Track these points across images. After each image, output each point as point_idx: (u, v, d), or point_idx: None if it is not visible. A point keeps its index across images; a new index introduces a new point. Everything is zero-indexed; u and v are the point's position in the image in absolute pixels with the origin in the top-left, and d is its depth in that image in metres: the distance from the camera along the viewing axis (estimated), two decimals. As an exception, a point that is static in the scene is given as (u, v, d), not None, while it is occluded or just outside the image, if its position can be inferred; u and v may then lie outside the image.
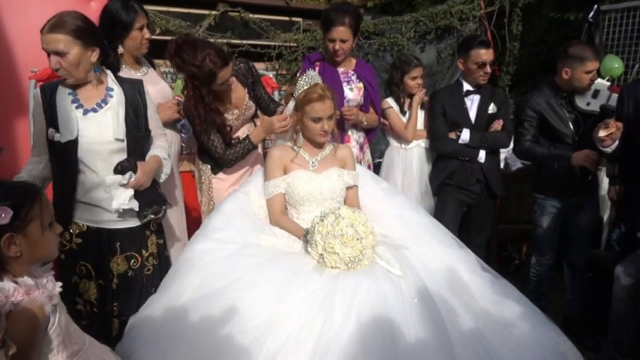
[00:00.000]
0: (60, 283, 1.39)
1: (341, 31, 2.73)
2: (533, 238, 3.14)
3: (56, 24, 1.93)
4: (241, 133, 2.65)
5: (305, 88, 2.13)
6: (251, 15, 5.08)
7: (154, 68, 2.73)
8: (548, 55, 5.79)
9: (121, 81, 2.15)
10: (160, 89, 2.62)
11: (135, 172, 2.03)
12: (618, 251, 2.56)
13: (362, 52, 5.16)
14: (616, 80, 4.14)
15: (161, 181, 2.24)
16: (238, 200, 2.19)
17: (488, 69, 2.97)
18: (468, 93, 3.04)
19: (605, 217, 3.75)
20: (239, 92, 2.63)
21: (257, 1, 5.25)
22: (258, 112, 2.79)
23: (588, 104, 2.89)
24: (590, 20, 4.45)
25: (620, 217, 2.92)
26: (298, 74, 2.73)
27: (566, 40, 4.23)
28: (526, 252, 4.09)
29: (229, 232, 2.01)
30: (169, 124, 2.59)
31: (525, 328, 1.91)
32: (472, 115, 3.04)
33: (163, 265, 2.23)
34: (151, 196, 2.14)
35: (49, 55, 1.95)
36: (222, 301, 1.73)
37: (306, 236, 2.02)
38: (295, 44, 5.18)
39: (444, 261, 2.06)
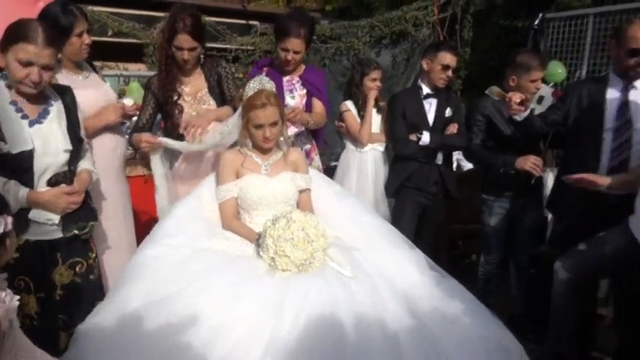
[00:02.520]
0: (17, 297, 1.33)
1: (295, 43, 2.75)
2: (481, 237, 3.26)
3: (49, 38, 1.90)
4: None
5: (249, 94, 2.15)
6: (207, 18, 5.04)
7: (96, 72, 2.69)
8: (498, 61, 6.02)
9: (55, 88, 2.11)
10: (104, 93, 2.59)
11: (68, 184, 2.01)
12: (558, 247, 2.68)
13: (319, 55, 5.23)
14: (559, 85, 4.35)
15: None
16: (190, 205, 2.18)
17: (450, 73, 3.07)
18: (427, 96, 3.12)
19: (550, 215, 3.92)
20: (199, 84, 2.66)
21: (213, 4, 5.23)
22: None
23: (533, 110, 3.03)
24: (536, 28, 4.66)
25: (551, 209, 3.06)
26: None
27: (515, 47, 4.42)
28: (476, 251, 4.23)
29: (180, 237, 2.00)
30: (115, 127, 2.56)
31: (470, 324, 1.99)
32: (430, 118, 3.11)
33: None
34: (80, 211, 2.09)
35: (25, 65, 1.89)
36: (173, 306, 1.72)
37: (258, 240, 2.03)
38: (252, 48, 5.19)
39: (395, 262, 2.12)
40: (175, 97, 2.60)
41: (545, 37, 4.80)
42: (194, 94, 2.65)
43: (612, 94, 2.52)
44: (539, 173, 2.88)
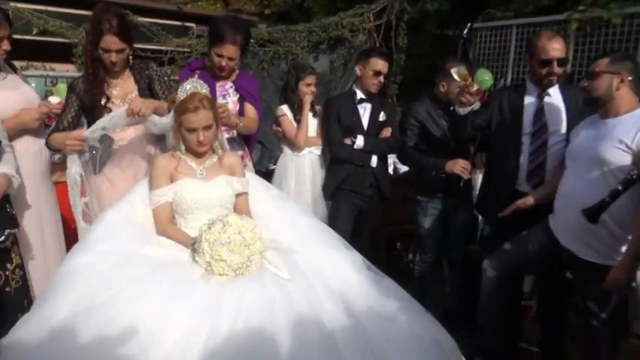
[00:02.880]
0: None
1: (231, 50, 2.71)
2: (416, 237, 3.37)
3: None
4: (128, 134, 2.53)
5: (182, 97, 2.11)
6: (140, 18, 4.90)
7: (15, 72, 2.56)
8: (432, 67, 6.25)
9: None
10: (22, 94, 2.47)
11: None
12: (488, 246, 2.82)
13: (257, 59, 5.21)
14: (487, 91, 4.58)
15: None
16: (122, 211, 2.11)
17: (382, 79, 3.14)
18: (361, 101, 3.19)
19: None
20: (128, 86, 2.56)
21: (147, 4, 5.10)
22: None
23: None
24: (465, 36, 4.88)
25: (479, 211, 3.22)
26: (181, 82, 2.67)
27: (446, 54, 4.61)
28: (413, 251, 4.36)
29: (112, 244, 1.93)
30: (39, 131, 2.44)
31: (406, 322, 2.05)
32: (365, 122, 3.18)
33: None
34: None
35: None
36: (102, 315, 1.66)
37: (194, 245, 2.00)
38: (189, 50, 5.09)
39: (332, 263, 2.14)
40: (104, 101, 2.48)
41: (474, 46, 5.04)
42: (123, 96, 2.54)
43: (529, 100, 2.68)
44: (468, 176, 3.02)
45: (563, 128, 2.61)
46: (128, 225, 2.06)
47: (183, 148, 2.22)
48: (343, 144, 3.13)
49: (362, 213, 3.25)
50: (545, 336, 2.84)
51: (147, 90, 2.60)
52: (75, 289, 1.77)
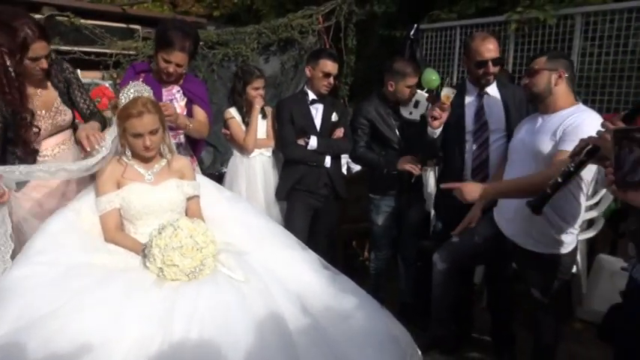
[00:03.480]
0: None
1: (179, 56, 2.61)
2: (370, 235, 3.42)
3: None
4: (54, 143, 2.37)
5: (125, 102, 2.04)
6: (83, 20, 4.73)
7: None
8: (381, 68, 6.36)
9: None
10: None
11: None
12: (440, 241, 2.90)
13: (206, 61, 5.14)
14: (434, 91, 4.71)
15: None
16: (67, 219, 2.02)
17: (332, 80, 3.16)
18: (313, 102, 3.20)
19: (433, 211, 4.22)
20: (50, 94, 2.37)
21: (89, 7, 4.93)
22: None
23: (411, 113, 3.24)
24: (412, 37, 5.00)
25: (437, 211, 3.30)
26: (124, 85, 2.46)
27: (395, 55, 4.70)
28: (368, 249, 4.42)
29: (55, 254, 1.85)
30: None
31: (362, 318, 2.08)
32: (317, 122, 3.19)
33: None
34: None
35: None
36: (46, 330, 1.59)
37: (144, 251, 1.95)
38: (135, 52, 4.96)
39: (287, 263, 2.15)
40: (29, 118, 2.21)
41: (420, 47, 5.17)
42: (48, 106, 2.33)
43: (469, 100, 2.78)
44: (418, 172, 3.09)
45: (503, 125, 2.72)
46: (74, 233, 1.98)
47: (129, 153, 2.16)
48: (297, 145, 3.13)
49: (318, 213, 3.26)
50: (496, 324, 2.94)
51: (66, 95, 2.43)
52: (14, 305, 1.67)
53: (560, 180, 1.77)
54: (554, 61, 2.30)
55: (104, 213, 2.08)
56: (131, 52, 4.95)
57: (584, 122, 2.14)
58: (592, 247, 3.64)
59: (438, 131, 2.70)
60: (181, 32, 2.61)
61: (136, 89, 2.08)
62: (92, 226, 2.08)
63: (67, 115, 2.41)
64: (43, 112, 2.32)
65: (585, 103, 2.43)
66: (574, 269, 3.07)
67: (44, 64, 2.21)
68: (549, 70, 2.28)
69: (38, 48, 2.15)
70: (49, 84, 2.36)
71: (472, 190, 2.31)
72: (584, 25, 4.29)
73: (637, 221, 1.60)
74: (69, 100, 2.44)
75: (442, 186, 2.64)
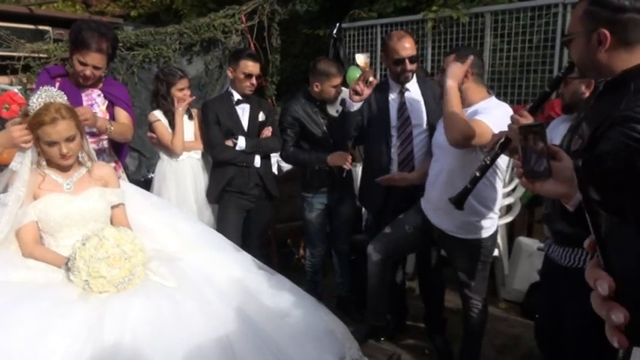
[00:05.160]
0: None
1: (96, 58, 2.49)
2: (304, 233, 3.45)
3: None
4: None
5: (36, 108, 1.92)
6: (-16, 22, 4.39)
7: None
8: (307, 67, 6.41)
9: None
10: None
11: None
12: (372, 234, 2.98)
13: (126, 63, 4.94)
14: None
15: None
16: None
17: (254, 80, 3.13)
18: (239, 102, 3.16)
19: (363, 205, 4.32)
20: None
21: (-9, 7, 4.57)
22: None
23: (337, 111, 3.30)
24: (335, 36, 5.09)
25: (362, 202, 3.39)
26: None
27: (320, 53, 4.76)
28: (304, 247, 4.45)
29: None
30: None
31: (299, 315, 2.10)
32: (244, 123, 3.15)
33: None
34: None
35: None
36: None
37: (67, 264, 1.85)
38: (46, 55, 4.66)
39: (221, 266, 2.13)
40: None
41: (344, 45, 5.28)
42: None
43: (392, 97, 2.88)
44: (349, 167, 3.15)
45: (424, 120, 2.84)
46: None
47: (44, 162, 2.03)
48: (224, 146, 3.08)
49: (250, 213, 3.24)
50: (428, 311, 3.07)
51: None
52: None
53: (478, 174, 1.87)
54: (461, 59, 2.39)
55: (20, 227, 1.95)
56: (42, 55, 4.65)
57: (493, 110, 2.28)
58: (511, 231, 3.89)
59: (357, 106, 2.74)
60: (97, 33, 2.49)
61: (47, 94, 1.95)
62: (8, 243, 1.94)
63: None
64: None
65: (498, 96, 2.58)
66: (496, 252, 3.28)
67: None
68: None
69: None
70: None
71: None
72: (493, 22, 4.57)
73: (548, 206, 1.73)
74: None
75: (378, 179, 2.73)
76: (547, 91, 1.73)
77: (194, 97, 3.24)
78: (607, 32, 1.39)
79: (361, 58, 2.66)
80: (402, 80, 2.81)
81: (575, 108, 2.49)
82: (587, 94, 2.54)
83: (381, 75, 5.13)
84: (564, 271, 1.69)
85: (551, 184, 1.21)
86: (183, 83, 3.16)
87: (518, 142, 1.21)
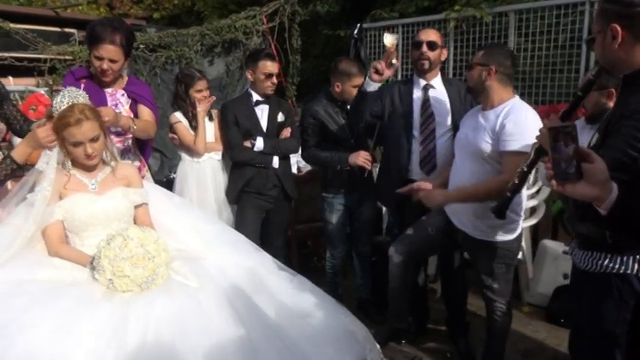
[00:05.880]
0: None
1: (110, 50, 2.51)
2: (325, 234, 3.44)
3: None
4: None
5: (60, 109, 1.95)
6: (12, 25, 4.49)
7: None
8: (328, 67, 6.41)
9: None
10: None
11: None
12: (395, 235, 2.95)
13: (148, 65, 5.01)
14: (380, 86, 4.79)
15: None
16: (4, 234, 1.92)
17: (275, 80, 3.14)
18: (258, 103, 3.17)
19: (385, 207, 4.30)
20: None
21: (20, 10, 4.69)
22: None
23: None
24: (356, 36, 5.07)
25: (379, 199, 3.36)
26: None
27: (341, 53, 4.75)
28: (323, 248, 4.43)
29: (-5, 271, 1.75)
30: None
31: (319, 316, 2.10)
32: (263, 123, 3.16)
33: None
34: None
35: None
36: None
37: (92, 263, 1.87)
38: (71, 57, 4.75)
39: (242, 266, 2.13)
40: None
41: (364, 45, 5.26)
42: None
43: (416, 92, 2.85)
44: (370, 167, 3.14)
45: (448, 118, 2.81)
46: (13, 249, 1.87)
47: (69, 163, 2.06)
48: (243, 147, 3.10)
49: (269, 214, 3.25)
50: (450, 314, 3.03)
51: None
52: None
53: (517, 182, 1.83)
54: (488, 56, 2.36)
55: (46, 226, 1.98)
56: (67, 57, 4.75)
57: (520, 120, 2.22)
58: (535, 234, 3.82)
59: (375, 86, 2.68)
60: (109, 26, 2.52)
61: (70, 95, 1.98)
62: (35, 241, 1.98)
63: (3, 130, 2.40)
64: None
65: (521, 96, 2.53)
66: (520, 255, 3.22)
67: None
68: (481, 66, 2.35)
69: None
70: None
71: (436, 196, 2.46)
72: (517, 21, 4.50)
73: (569, 209, 1.69)
74: (3, 116, 2.38)
75: (399, 191, 2.69)
76: (580, 96, 1.68)
77: (214, 98, 3.26)
78: (618, 27, 1.40)
79: (389, 38, 2.61)
80: (418, 67, 2.79)
81: (599, 118, 2.42)
82: (609, 104, 2.48)
83: (401, 76, 5.10)
84: (586, 275, 1.64)
85: (583, 187, 1.18)
86: (201, 84, 3.18)
87: (549, 143, 1.18)
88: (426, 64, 2.77)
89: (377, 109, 2.88)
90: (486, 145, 2.31)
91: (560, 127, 1.19)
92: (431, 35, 2.77)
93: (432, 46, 2.75)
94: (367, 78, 2.69)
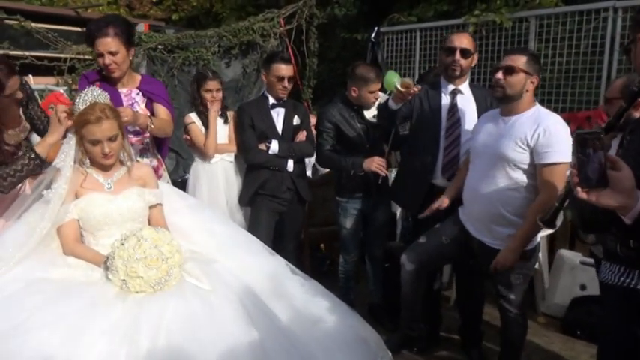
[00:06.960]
0: None
1: (106, 43, 2.50)
2: (339, 238, 3.42)
3: None
4: None
5: (81, 108, 1.97)
6: (34, 24, 4.56)
7: None
8: (344, 71, 6.40)
9: None
10: None
11: None
12: (409, 241, 2.92)
13: (166, 66, 5.04)
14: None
15: None
16: (20, 232, 1.93)
17: (286, 83, 3.12)
18: (274, 106, 3.17)
19: (398, 213, 4.26)
20: (13, 111, 2.32)
21: (41, 10, 4.77)
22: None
23: (374, 117, 3.26)
24: (373, 40, 5.05)
25: (395, 200, 3.32)
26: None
27: (358, 57, 4.73)
28: (337, 252, 4.41)
29: (10, 269, 1.77)
30: None
31: (331, 321, 2.07)
32: (279, 127, 3.16)
33: None
34: None
35: None
36: (5, 348, 1.51)
37: (106, 263, 1.88)
38: (91, 57, 4.80)
39: (254, 269, 2.12)
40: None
41: (382, 49, 5.23)
42: (15, 124, 2.33)
43: (444, 98, 2.82)
44: (385, 173, 3.11)
45: (473, 125, 2.77)
46: (28, 247, 1.89)
47: (87, 161, 2.08)
48: (257, 150, 3.10)
49: (283, 217, 3.24)
50: (464, 322, 2.99)
51: (26, 111, 2.41)
52: None
53: (564, 191, 1.79)
54: (532, 65, 2.27)
55: (62, 225, 1.99)
56: (87, 57, 4.80)
57: (552, 130, 2.18)
58: (552, 244, 3.76)
59: (398, 105, 2.74)
60: (102, 21, 2.54)
61: (93, 94, 2.00)
62: (50, 239, 1.99)
63: (27, 131, 2.41)
64: (10, 132, 2.32)
65: (541, 103, 2.47)
66: (536, 265, 3.16)
67: (19, 94, 2.25)
68: (526, 74, 2.26)
69: (12, 83, 2.19)
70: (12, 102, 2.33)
71: (507, 257, 2.32)
72: (538, 27, 4.44)
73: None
74: (28, 116, 2.41)
75: (422, 216, 2.70)
76: (624, 107, 1.63)
77: (217, 104, 3.25)
78: None
79: (405, 81, 2.69)
80: (449, 73, 2.76)
81: (621, 127, 2.36)
82: (635, 114, 2.41)
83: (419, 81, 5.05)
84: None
85: (608, 195, 1.14)
86: (211, 84, 3.18)
87: (575, 150, 1.15)
88: (458, 71, 2.75)
89: (405, 110, 2.86)
90: (515, 154, 2.26)
91: (586, 134, 1.16)
92: (464, 42, 2.71)
93: (465, 53, 2.72)
94: (391, 100, 2.72)
